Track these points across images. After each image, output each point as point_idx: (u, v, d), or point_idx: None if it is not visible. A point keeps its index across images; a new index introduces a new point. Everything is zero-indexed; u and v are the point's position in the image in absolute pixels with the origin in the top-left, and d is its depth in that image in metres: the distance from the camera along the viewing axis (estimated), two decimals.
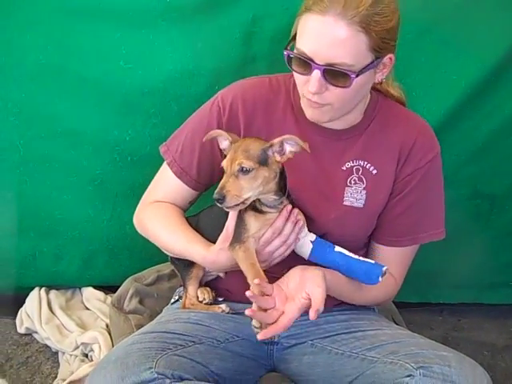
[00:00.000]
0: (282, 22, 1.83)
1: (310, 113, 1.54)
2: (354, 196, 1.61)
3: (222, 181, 1.41)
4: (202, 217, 1.67)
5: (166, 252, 1.68)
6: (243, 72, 1.89)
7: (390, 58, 1.50)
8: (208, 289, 1.71)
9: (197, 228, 1.65)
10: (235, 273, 1.54)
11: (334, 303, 1.68)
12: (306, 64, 1.45)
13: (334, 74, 1.44)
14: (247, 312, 1.38)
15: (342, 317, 1.66)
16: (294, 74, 1.51)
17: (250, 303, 1.43)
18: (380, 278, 1.46)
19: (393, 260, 1.67)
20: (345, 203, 1.61)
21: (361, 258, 1.51)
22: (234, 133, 1.52)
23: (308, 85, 1.48)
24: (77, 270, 2.25)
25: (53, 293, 2.32)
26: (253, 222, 1.50)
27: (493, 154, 2.18)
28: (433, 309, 2.55)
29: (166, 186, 1.70)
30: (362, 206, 1.62)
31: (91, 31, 1.92)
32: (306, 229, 1.54)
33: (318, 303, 1.38)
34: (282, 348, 1.65)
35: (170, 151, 1.69)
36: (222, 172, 1.48)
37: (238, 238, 1.49)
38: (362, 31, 1.41)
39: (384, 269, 1.46)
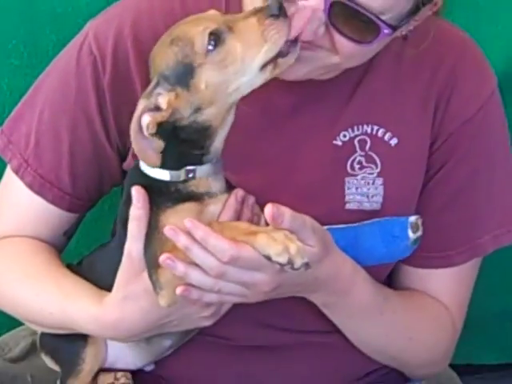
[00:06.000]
0: None
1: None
2: (363, 191, 1.05)
3: None
4: (96, 259, 1.07)
5: (31, 326, 1.11)
6: None
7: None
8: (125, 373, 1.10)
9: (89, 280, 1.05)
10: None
11: (356, 372, 1.12)
12: None
13: (349, 17, 0.88)
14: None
15: None
16: None
17: None
18: (411, 233, 1.01)
19: (443, 290, 1.13)
20: (348, 206, 1.04)
21: (365, 222, 1.04)
22: (124, 102, 0.99)
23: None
24: None
25: None
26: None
27: None
28: None
29: (17, 208, 1.10)
30: (379, 207, 1.05)
31: None
32: None
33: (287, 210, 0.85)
34: None
35: (13, 145, 1.07)
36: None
37: (153, 263, 0.90)
38: None
39: (413, 219, 1.02)
